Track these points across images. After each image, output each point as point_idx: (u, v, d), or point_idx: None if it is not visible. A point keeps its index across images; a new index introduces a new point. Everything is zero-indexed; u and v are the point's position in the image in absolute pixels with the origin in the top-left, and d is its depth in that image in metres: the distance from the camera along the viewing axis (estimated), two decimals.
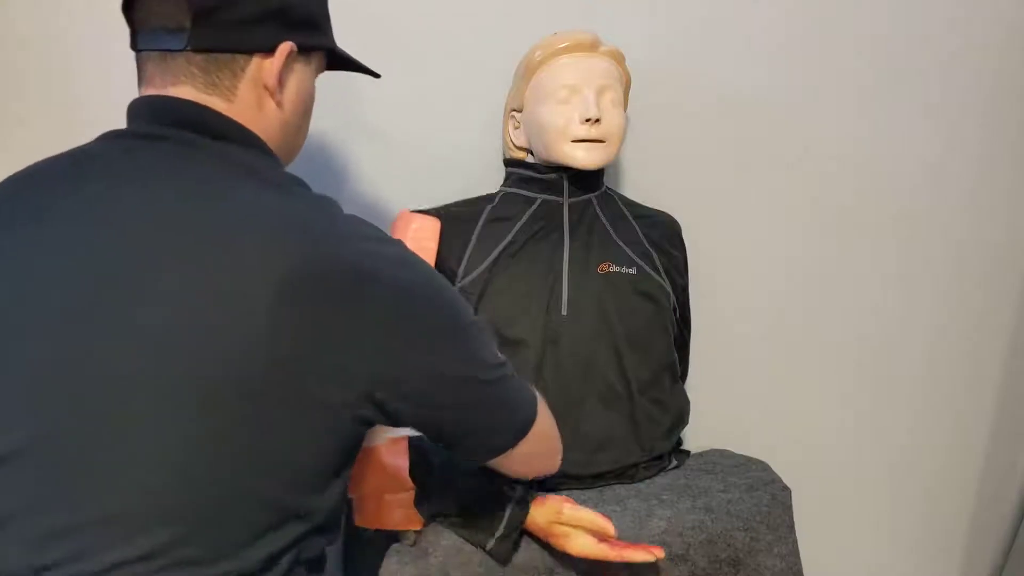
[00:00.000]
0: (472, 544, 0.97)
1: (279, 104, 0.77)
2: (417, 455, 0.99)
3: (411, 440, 1.00)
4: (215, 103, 0.74)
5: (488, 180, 1.26)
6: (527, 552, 0.99)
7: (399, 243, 0.74)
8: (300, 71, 0.80)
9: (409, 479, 0.97)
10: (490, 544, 0.96)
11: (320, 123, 1.20)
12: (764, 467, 1.19)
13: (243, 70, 0.74)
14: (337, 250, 0.67)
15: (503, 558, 0.97)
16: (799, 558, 1.12)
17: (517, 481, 0.96)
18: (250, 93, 0.75)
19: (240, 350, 0.63)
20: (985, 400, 1.57)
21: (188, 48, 0.72)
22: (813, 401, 1.52)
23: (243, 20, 0.73)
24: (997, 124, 1.45)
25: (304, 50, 0.79)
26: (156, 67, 0.74)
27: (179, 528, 0.64)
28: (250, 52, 0.74)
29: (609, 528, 0.93)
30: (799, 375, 1.50)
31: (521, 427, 0.80)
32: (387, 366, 0.69)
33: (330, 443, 0.70)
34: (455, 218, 1.16)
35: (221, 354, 0.63)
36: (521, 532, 0.98)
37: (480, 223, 1.16)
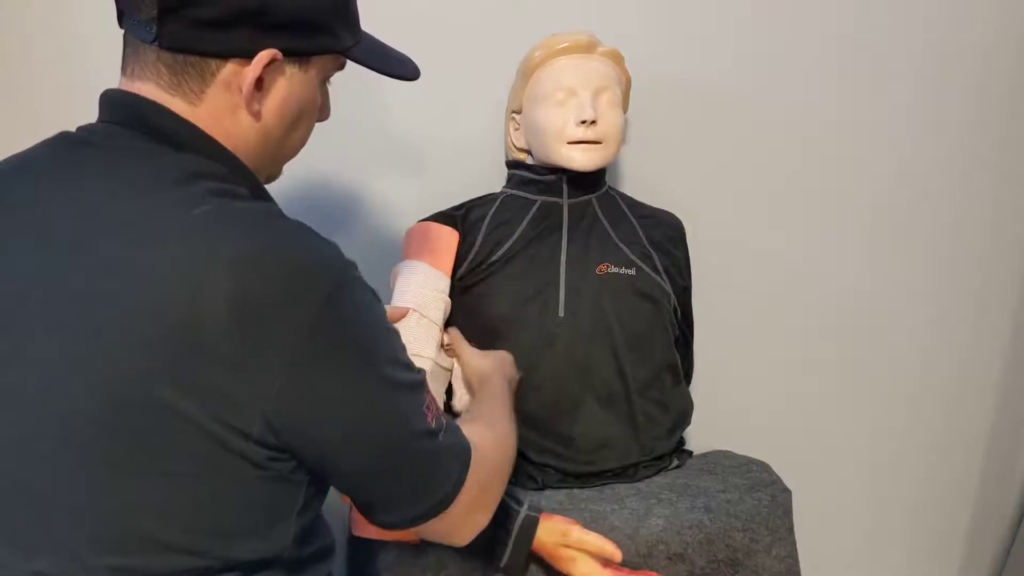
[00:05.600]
0: (484, 561, 0.96)
1: (256, 114, 0.71)
2: None
3: None
4: (176, 105, 0.69)
5: (491, 180, 1.26)
6: None
7: (354, 277, 0.67)
8: (291, 79, 0.72)
9: None
10: (504, 559, 0.94)
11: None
12: (765, 468, 1.19)
13: (214, 75, 0.68)
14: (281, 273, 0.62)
15: (517, 572, 0.96)
16: (798, 560, 1.11)
17: (527, 492, 0.95)
18: (221, 99, 0.69)
19: (133, 379, 0.61)
20: (985, 401, 1.57)
21: (156, 43, 0.67)
22: (815, 402, 1.52)
23: (214, 21, 0.66)
24: (991, 121, 1.45)
25: (297, 55, 0.71)
26: (132, 53, 0.70)
27: None
28: (224, 57, 0.68)
29: (616, 554, 0.93)
30: (801, 376, 1.50)
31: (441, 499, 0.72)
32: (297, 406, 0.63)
33: (245, 496, 0.66)
34: (468, 227, 1.16)
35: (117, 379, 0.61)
36: (530, 552, 0.96)
37: (483, 228, 1.16)
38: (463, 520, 0.75)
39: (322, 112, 0.81)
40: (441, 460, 0.72)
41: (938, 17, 1.39)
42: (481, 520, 0.78)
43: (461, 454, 0.73)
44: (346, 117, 1.24)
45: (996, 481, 1.61)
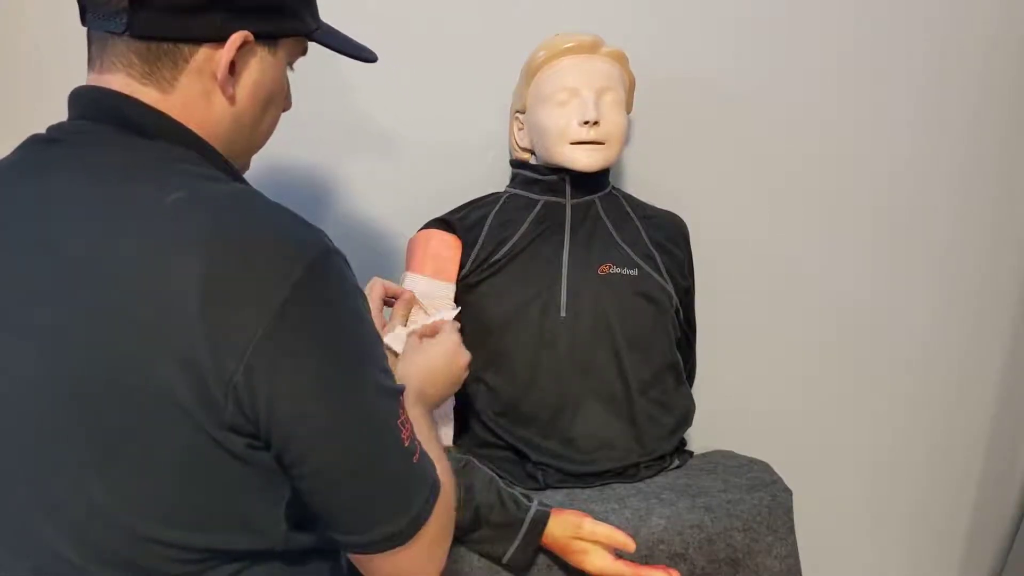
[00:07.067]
0: (488, 558, 0.96)
1: (231, 98, 0.71)
2: None
3: None
4: (149, 94, 0.68)
5: (494, 179, 1.26)
6: None
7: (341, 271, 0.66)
8: (261, 62, 0.72)
9: None
10: (507, 556, 0.94)
11: (323, 120, 1.21)
12: (766, 468, 1.19)
13: (187, 61, 0.68)
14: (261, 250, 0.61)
15: (521, 569, 0.96)
16: (798, 560, 1.11)
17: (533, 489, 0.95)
18: (194, 85, 0.69)
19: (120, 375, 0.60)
20: (985, 401, 1.58)
21: (127, 33, 0.66)
22: (815, 402, 1.52)
23: (184, 7, 0.66)
24: (992, 121, 1.45)
25: (267, 38, 0.72)
26: (99, 48, 0.70)
27: None
28: (196, 42, 0.68)
29: (630, 544, 0.93)
30: (801, 376, 1.50)
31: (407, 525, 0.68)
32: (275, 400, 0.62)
33: (225, 488, 0.65)
34: (468, 228, 1.16)
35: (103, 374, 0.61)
36: (539, 546, 0.96)
37: (485, 228, 1.16)
38: (427, 555, 0.71)
39: (286, 101, 0.81)
40: (413, 479, 0.69)
41: (938, 17, 1.39)
42: (438, 566, 0.73)
43: (430, 481, 0.71)
44: (348, 118, 1.25)
45: (996, 481, 1.61)
